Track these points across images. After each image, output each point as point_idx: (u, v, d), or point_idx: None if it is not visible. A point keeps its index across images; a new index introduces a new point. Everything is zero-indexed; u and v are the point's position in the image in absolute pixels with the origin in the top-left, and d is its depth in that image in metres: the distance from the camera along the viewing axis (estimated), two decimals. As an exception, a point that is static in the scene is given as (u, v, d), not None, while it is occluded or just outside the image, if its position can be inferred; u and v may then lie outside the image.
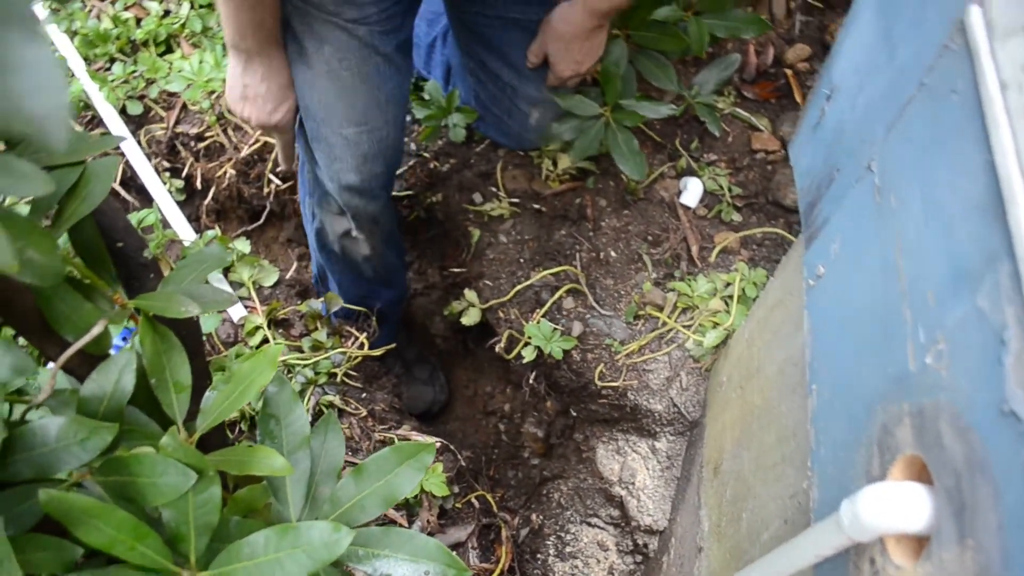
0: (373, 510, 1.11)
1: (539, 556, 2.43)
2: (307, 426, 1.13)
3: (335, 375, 2.25)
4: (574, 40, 1.93)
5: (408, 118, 2.56)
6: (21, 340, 1.08)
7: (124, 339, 1.93)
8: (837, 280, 1.10)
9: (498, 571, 2.19)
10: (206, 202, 2.81)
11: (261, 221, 2.84)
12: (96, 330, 0.91)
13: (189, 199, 2.87)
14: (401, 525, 2.01)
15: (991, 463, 0.68)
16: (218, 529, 0.96)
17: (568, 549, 2.43)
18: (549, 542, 2.45)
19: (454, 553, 1.14)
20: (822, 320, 1.14)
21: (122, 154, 2.66)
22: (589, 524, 2.45)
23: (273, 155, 2.65)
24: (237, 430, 2.00)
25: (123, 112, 2.70)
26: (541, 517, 2.52)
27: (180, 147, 2.72)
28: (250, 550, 0.92)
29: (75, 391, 1.05)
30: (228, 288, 2.33)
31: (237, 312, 2.32)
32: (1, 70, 0.35)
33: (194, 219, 2.81)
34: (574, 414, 2.43)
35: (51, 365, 0.97)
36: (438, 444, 2.20)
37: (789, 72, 2.50)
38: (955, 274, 0.75)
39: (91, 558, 0.94)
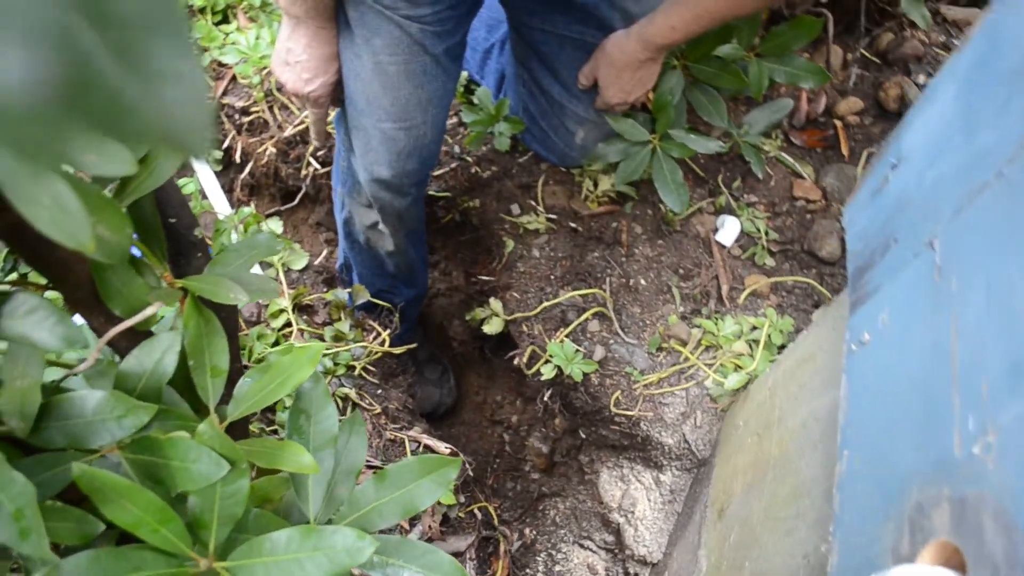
0: (391, 518, 1.11)
1: (528, 571, 2.42)
2: (336, 425, 1.13)
3: (353, 368, 2.25)
4: (625, 69, 1.93)
5: (455, 121, 2.56)
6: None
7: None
8: (883, 351, 1.09)
9: (493, 585, 2.20)
10: (242, 176, 2.81)
11: (295, 202, 2.84)
12: (150, 311, 0.91)
13: (224, 170, 2.87)
14: (403, 528, 2.01)
15: (1033, 564, 0.67)
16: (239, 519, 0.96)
17: (558, 568, 2.42)
18: (540, 558, 2.45)
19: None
20: (862, 387, 1.13)
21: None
22: (582, 546, 2.45)
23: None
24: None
25: (172, 77, 2.70)
26: (535, 532, 2.51)
27: (224, 118, 2.72)
28: (271, 546, 0.92)
29: (111, 363, 1.05)
30: (259, 269, 2.33)
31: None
32: (149, 80, 0.34)
33: (227, 190, 2.81)
34: (583, 436, 2.42)
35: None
36: (448, 450, 2.20)
37: (839, 123, 2.49)
38: (1014, 371, 0.75)
39: (104, 532, 0.94)
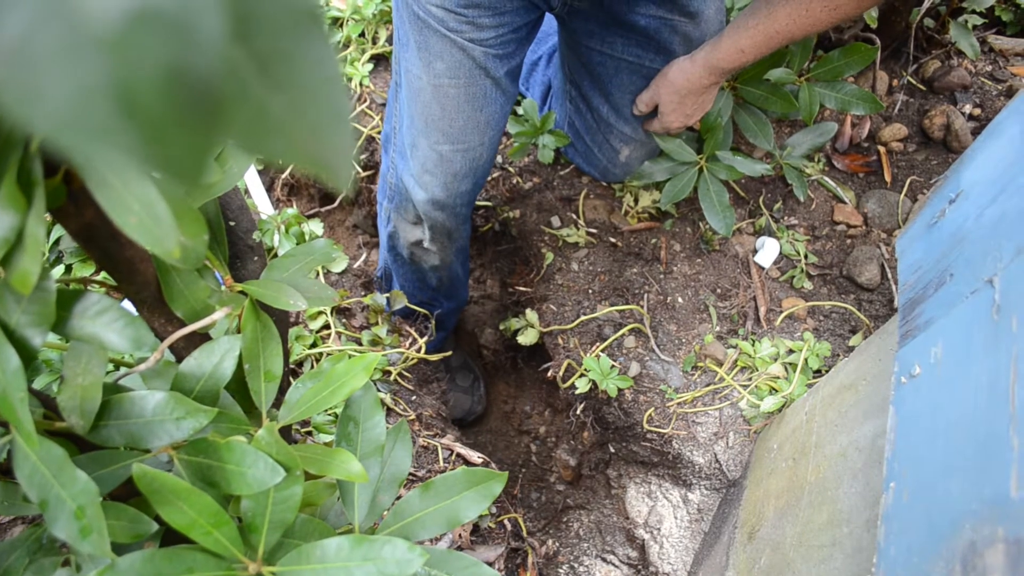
0: (434, 528, 1.11)
1: (549, 582, 2.43)
2: (383, 434, 1.13)
3: (389, 373, 2.26)
4: (689, 95, 1.93)
5: (498, 130, 2.58)
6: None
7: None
8: (935, 385, 1.09)
9: (521, 597, 2.20)
10: (283, 176, 2.83)
11: (334, 204, 2.85)
12: (218, 315, 0.92)
13: (265, 169, 2.89)
14: (435, 537, 2.01)
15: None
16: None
17: (579, 581, 2.43)
18: (561, 570, 2.45)
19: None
20: (911, 420, 1.13)
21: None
22: (605, 560, 2.45)
23: (359, 142, 2.66)
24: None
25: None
26: (557, 544, 2.51)
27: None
28: (321, 554, 0.92)
29: (169, 363, 1.06)
30: (300, 270, 2.34)
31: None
32: (295, 99, 0.34)
33: (268, 188, 2.83)
34: (612, 450, 2.42)
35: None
36: (480, 460, 2.21)
37: (882, 149, 2.49)
38: (1081, 415, 0.75)
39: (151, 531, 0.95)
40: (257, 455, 0.91)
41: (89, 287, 0.94)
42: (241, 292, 1.04)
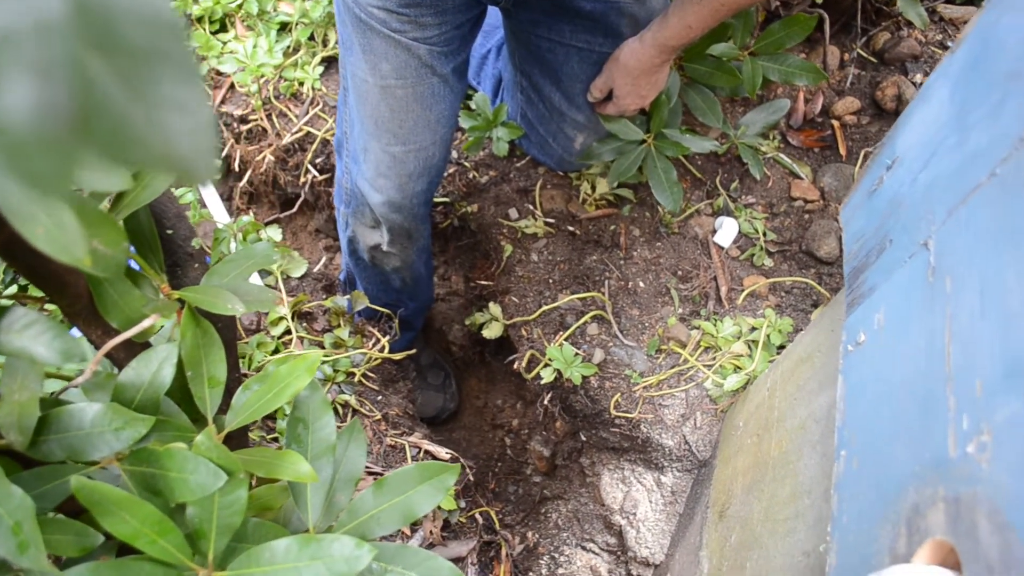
0: (390, 525, 1.11)
1: (531, 574, 2.42)
2: (334, 433, 1.13)
3: (353, 374, 2.25)
4: (642, 75, 1.93)
5: (452, 126, 2.57)
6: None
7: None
8: (878, 351, 1.09)
9: (495, 589, 2.20)
10: (240, 184, 2.82)
11: (294, 210, 2.85)
12: (147, 323, 0.91)
13: (223, 179, 2.88)
14: (404, 534, 2.01)
15: (1028, 563, 0.67)
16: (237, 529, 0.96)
17: (561, 571, 2.42)
18: (543, 561, 2.45)
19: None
20: (858, 388, 1.14)
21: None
22: (584, 548, 2.45)
23: (314, 145, 2.65)
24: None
25: (170, 86, 2.71)
26: (537, 536, 2.52)
27: (223, 127, 2.73)
28: (270, 555, 0.92)
29: (110, 375, 1.06)
30: (257, 278, 2.33)
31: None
32: (154, 107, 0.35)
33: (226, 199, 2.82)
34: (583, 439, 2.42)
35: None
36: (448, 456, 2.21)
37: (836, 123, 2.50)
38: (1008, 371, 0.75)
39: (103, 543, 0.94)
40: (198, 461, 0.91)
41: (23, 303, 0.94)
42: (179, 299, 1.04)
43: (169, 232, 1.10)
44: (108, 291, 0.93)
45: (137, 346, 1.04)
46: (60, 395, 1.02)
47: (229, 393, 1.10)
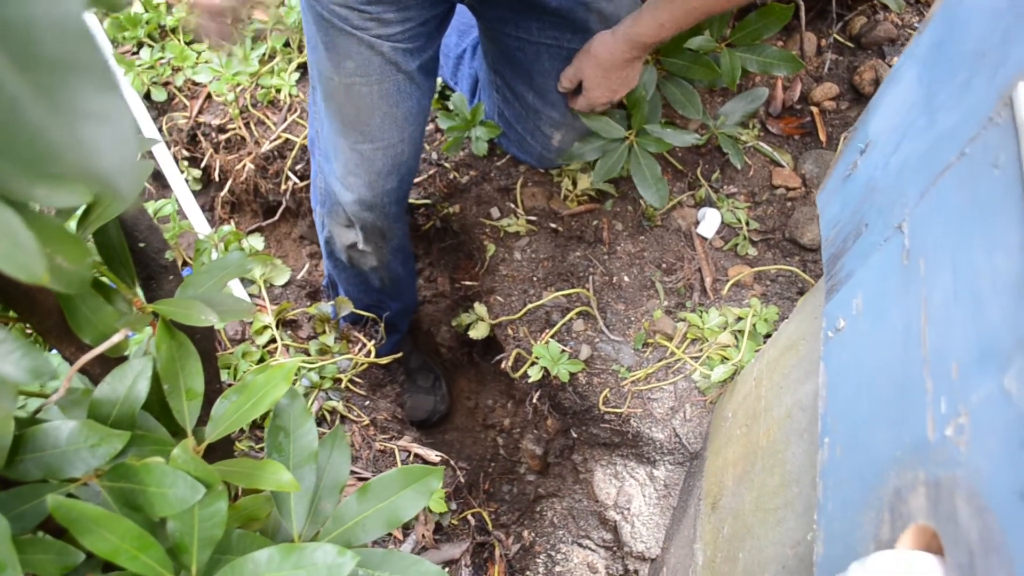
0: (375, 531, 1.10)
1: (529, 573, 2.42)
2: (315, 441, 1.12)
3: (340, 380, 2.25)
4: (612, 69, 1.92)
5: (431, 127, 2.56)
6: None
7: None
8: (857, 336, 1.09)
9: (489, 590, 2.20)
10: (222, 194, 2.81)
11: (276, 217, 2.84)
12: (117, 338, 0.91)
13: (204, 189, 2.88)
14: (396, 539, 2.01)
15: (1008, 545, 0.67)
16: (220, 541, 0.95)
17: (558, 569, 2.42)
18: (539, 560, 2.45)
19: (447, 571, 1.14)
20: (839, 374, 1.13)
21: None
22: (581, 545, 2.45)
23: (293, 152, 2.64)
24: (238, 431, 2.00)
25: (147, 97, 2.71)
26: (533, 534, 2.51)
27: (201, 137, 2.72)
28: (253, 566, 0.91)
29: (87, 391, 1.05)
30: (240, 287, 2.32)
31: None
32: (71, 120, 0.34)
33: (207, 209, 2.81)
34: (575, 435, 2.42)
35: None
36: (438, 459, 2.20)
37: (815, 110, 2.49)
38: (982, 351, 0.75)
39: (87, 560, 0.94)
40: (176, 474, 0.90)
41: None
42: (154, 312, 1.03)
43: (141, 245, 1.09)
44: (79, 307, 0.93)
45: (113, 361, 1.03)
46: (37, 414, 1.01)
47: (209, 404, 1.10)
